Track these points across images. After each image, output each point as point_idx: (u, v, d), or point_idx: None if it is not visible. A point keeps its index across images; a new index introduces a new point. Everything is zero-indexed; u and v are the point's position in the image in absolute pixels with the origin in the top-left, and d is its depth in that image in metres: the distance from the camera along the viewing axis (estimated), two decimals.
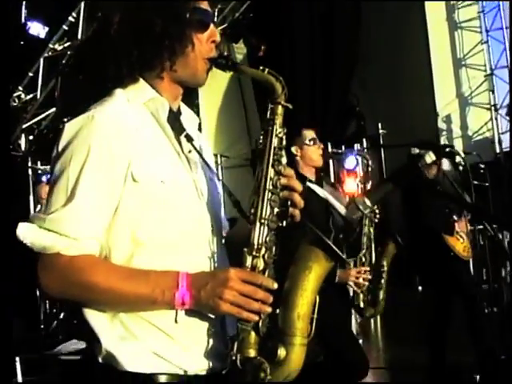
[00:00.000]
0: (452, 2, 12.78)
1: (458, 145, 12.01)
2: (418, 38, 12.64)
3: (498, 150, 11.99)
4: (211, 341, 1.84)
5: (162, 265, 1.78)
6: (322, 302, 1.81)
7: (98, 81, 1.93)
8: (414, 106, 12.37)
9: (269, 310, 1.74)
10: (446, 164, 5.57)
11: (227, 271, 1.74)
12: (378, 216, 4.84)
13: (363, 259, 4.73)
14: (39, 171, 10.25)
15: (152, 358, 1.77)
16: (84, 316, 1.80)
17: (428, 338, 5.97)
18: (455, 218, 5.89)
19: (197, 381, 1.82)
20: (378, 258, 4.85)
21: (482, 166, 6.50)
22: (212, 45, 1.96)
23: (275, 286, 1.76)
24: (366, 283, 4.64)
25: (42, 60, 9.51)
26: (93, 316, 1.79)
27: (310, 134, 4.72)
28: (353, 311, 5.17)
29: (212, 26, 1.97)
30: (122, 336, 1.77)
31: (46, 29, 9.55)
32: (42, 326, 8.53)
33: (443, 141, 12.38)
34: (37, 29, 9.48)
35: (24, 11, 9.53)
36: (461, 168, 4.46)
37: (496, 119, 12.25)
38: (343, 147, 12.13)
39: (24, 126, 9.82)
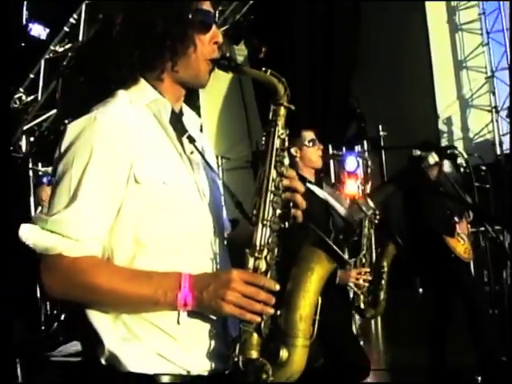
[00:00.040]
0: (453, 3, 12.78)
1: (459, 147, 11.99)
2: (418, 40, 12.64)
3: (498, 152, 11.98)
4: (213, 342, 1.84)
5: (164, 266, 1.78)
6: (323, 303, 1.82)
7: (99, 82, 1.93)
8: (415, 107, 12.36)
9: (271, 311, 1.74)
10: (446, 166, 5.58)
11: (230, 272, 1.74)
12: (377, 217, 4.84)
13: (363, 260, 4.72)
14: (40, 173, 10.24)
15: (155, 359, 1.77)
16: (87, 317, 1.80)
17: (429, 339, 5.97)
18: (456, 219, 5.88)
19: (199, 381, 1.82)
20: (378, 259, 4.85)
21: (483, 167, 6.50)
22: (214, 46, 1.96)
23: (277, 287, 1.76)
24: (367, 284, 4.64)
25: (42, 61, 9.52)
26: (95, 317, 1.79)
27: (309, 135, 4.72)
28: (353, 312, 5.17)
29: (214, 27, 1.97)
30: (124, 337, 1.77)
31: (47, 30, 9.55)
32: (43, 328, 8.53)
33: (444, 143, 12.38)
34: (38, 30, 9.48)
35: (25, 13, 9.54)
36: (462, 170, 4.46)
37: (497, 121, 12.24)
38: (344, 149, 12.12)
39: (25, 128, 9.82)
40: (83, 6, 9.03)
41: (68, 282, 1.74)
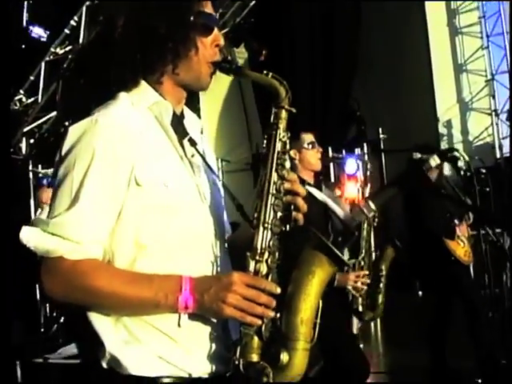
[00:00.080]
0: (453, 6, 12.79)
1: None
2: (418, 43, 12.67)
3: (498, 155, 12.00)
4: (214, 344, 1.84)
5: (165, 269, 1.78)
6: (323, 306, 1.82)
7: (100, 84, 1.92)
8: (415, 110, 12.39)
9: (272, 314, 1.74)
10: (446, 169, 5.58)
11: (231, 275, 1.74)
12: (376, 220, 4.85)
13: (362, 263, 4.73)
14: (40, 175, 10.23)
15: (156, 362, 1.77)
16: (87, 320, 1.80)
17: (429, 341, 5.97)
18: (456, 222, 5.88)
19: None
20: (376, 262, 4.86)
21: (484, 170, 6.49)
22: (216, 49, 1.96)
23: (278, 290, 1.76)
24: (365, 287, 4.63)
25: (43, 63, 9.49)
26: (96, 320, 1.79)
27: (308, 137, 4.72)
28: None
29: (216, 30, 1.97)
30: (125, 340, 1.77)
31: (48, 32, 9.54)
32: (42, 330, 8.52)
33: (444, 146, 12.39)
34: (38, 32, 9.46)
35: (26, 15, 9.52)
36: (462, 172, 4.46)
37: (496, 124, 12.27)
38: (344, 151, 12.12)
39: (25, 130, 9.80)
40: (84, 9, 9.01)
41: (69, 284, 1.74)
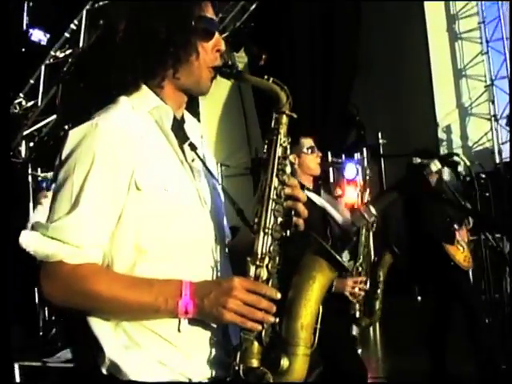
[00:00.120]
0: (453, 7, 12.81)
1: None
2: (418, 49, 12.68)
3: (497, 161, 11.99)
4: (214, 350, 1.84)
5: (165, 273, 1.77)
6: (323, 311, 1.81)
7: (101, 88, 1.92)
8: (414, 115, 12.39)
9: (272, 319, 1.74)
10: (445, 174, 5.58)
11: (231, 280, 1.73)
12: (375, 226, 4.83)
13: (360, 269, 4.71)
14: (39, 178, 10.23)
15: (156, 367, 1.76)
16: (87, 325, 1.79)
17: (428, 347, 5.96)
18: (456, 226, 5.88)
19: None
20: (374, 269, 4.84)
21: (483, 175, 6.49)
22: (217, 53, 1.96)
23: (278, 296, 1.76)
24: (362, 293, 4.61)
25: (43, 67, 9.50)
26: (96, 325, 1.79)
27: (308, 142, 4.70)
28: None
29: (217, 34, 1.97)
30: (125, 345, 1.77)
31: (48, 36, 9.55)
32: (41, 333, 8.51)
33: (443, 151, 12.39)
34: (38, 36, 9.47)
35: (26, 18, 9.54)
36: (461, 178, 4.45)
37: (496, 129, 12.27)
38: (343, 156, 12.12)
39: (25, 133, 9.80)
40: (84, 12, 9.01)
41: (68, 289, 1.74)
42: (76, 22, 9.15)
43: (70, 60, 9.20)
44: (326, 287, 1.82)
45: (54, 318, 8.53)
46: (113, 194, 1.76)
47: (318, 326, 1.79)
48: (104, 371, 1.76)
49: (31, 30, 9.50)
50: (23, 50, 9.43)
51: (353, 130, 12.57)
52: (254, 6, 11.24)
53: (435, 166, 4.34)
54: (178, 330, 1.77)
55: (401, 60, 12.62)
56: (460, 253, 5.83)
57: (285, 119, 1.89)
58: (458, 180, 4.52)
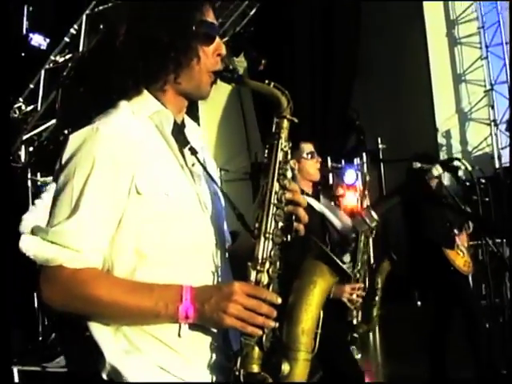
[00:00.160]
0: (452, 17, 12.83)
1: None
2: (418, 54, 12.68)
3: (497, 166, 11.99)
4: (214, 355, 1.83)
5: (165, 278, 1.77)
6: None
7: (101, 92, 1.92)
8: (414, 120, 12.39)
9: (273, 324, 1.73)
10: (445, 178, 5.58)
11: (232, 285, 1.73)
12: (374, 232, 4.82)
13: (358, 275, 4.69)
14: (39, 183, 10.22)
15: (156, 372, 1.76)
16: (88, 329, 1.79)
17: (428, 352, 5.95)
18: (456, 231, 5.87)
19: None
20: (372, 275, 4.83)
21: (483, 180, 6.50)
22: (217, 58, 1.95)
23: (279, 300, 1.75)
24: (360, 300, 4.60)
25: (43, 71, 9.50)
26: (96, 329, 1.78)
27: (308, 147, 4.69)
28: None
29: (218, 39, 1.96)
30: (126, 349, 1.76)
31: (48, 40, 9.55)
32: (41, 338, 8.49)
33: (443, 156, 12.39)
34: (38, 40, 9.47)
35: (25, 23, 9.54)
36: (461, 182, 4.46)
37: (496, 134, 12.26)
38: (343, 161, 12.12)
39: (24, 138, 9.80)
40: (84, 17, 9.03)
41: (68, 293, 1.73)
42: (76, 26, 9.16)
43: (69, 64, 9.20)
44: (326, 292, 1.82)
45: (47, 323, 8.51)
46: (113, 198, 1.75)
47: (319, 331, 1.79)
48: (104, 376, 1.75)
49: (31, 35, 9.51)
50: (23, 54, 9.43)
51: (352, 134, 12.58)
52: (253, 11, 11.27)
53: (437, 170, 4.35)
54: (179, 334, 1.76)
55: (400, 64, 12.63)
56: (460, 258, 5.82)
57: (286, 124, 1.89)
58: (458, 184, 4.53)
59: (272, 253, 1.78)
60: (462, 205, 4.78)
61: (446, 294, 5.86)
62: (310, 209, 4.51)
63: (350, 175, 11.39)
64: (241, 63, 12.26)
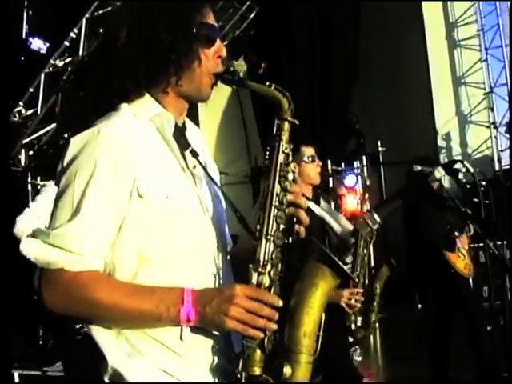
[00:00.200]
0: (451, 19, 12.85)
1: (459, 163, 11.99)
2: (417, 56, 12.70)
3: (497, 168, 12.00)
4: (216, 358, 1.83)
5: (166, 281, 1.76)
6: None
7: (102, 95, 1.91)
8: (414, 123, 12.40)
9: (274, 326, 1.73)
10: (445, 181, 5.57)
11: (233, 288, 1.72)
12: (374, 237, 4.81)
13: (356, 280, 4.68)
14: (39, 187, 10.20)
15: (159, 375, 1.75)
16: (89, 332, 1.78)
17: (429, 354, 5.94)
18: (456, 234, 5.87)
19: None
20: (371, 281, 4.82)
21: (483, 183, 6.50)
22: (218, 60, 1.95)
23: (280, 303, 1.74)
24: (359, 305, 4.59)
25: (42, 75, 9.49)
26: (98, 333, 1.78)
27: (309, 151, 4.69)
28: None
29: (218, 41, 1.96)
30: (128, 353, 1.75)
31: (47, 44, 9.55)
32: (41, 342, 8.47)
33: (443, 158, 12.40)
34: (38, 44, 9.47)
35: (25, 27, 9.54)
36: (462, 185, 4.45)
37: (495, 137, 12.28)
38: (343, 164, 12.13)
39: (24, 142, 9.78)
40: (84, 21, 9.03)
41: (69, 296, 1.72)
42: (75, 30, 9.15)
43: (69, 68, 9.20)
44: (328, 294, 1.82)
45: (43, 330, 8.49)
46: (115, 201, 1.75)
47: (321, 333, 1.79)
48: (106, 379, 1.75)
49: (31, 39, 9.51)
50: (23, 58, 9.43)
51: (352, 138, 12.60)
52: (253, 15, 11.27)
53: (439, 173, 4.34)
54: (180, 337, 1.76)
55: (400, 68, 12.65)
56: (461, 260, 5.82)
57: (287, 126, 1.89)
58: (458, 187, 4.52)
59: (273, 255, 1.78)
60: (463, 207, 4.77)
61: (447, 296, 5.86)
62: (309, 213, 4.52)
63: (350, 178, 11.41)
64: (240, 67, 12.28)
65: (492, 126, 12.33)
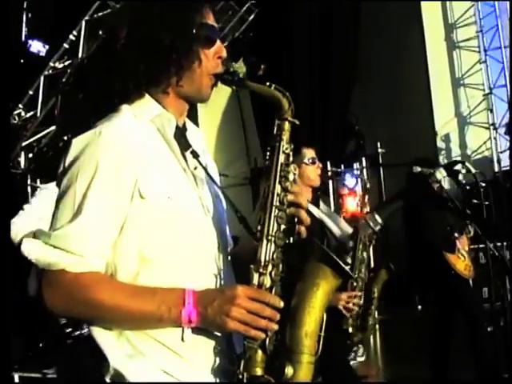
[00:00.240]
0: (451, 21, 12.86)
1: (458, 164, 11.99)
2: (416, 58, 12.70)
3: (496, 169, 12.00)
4: (218, 358, 1.82)
5: (168, 281, 1.76)
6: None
7: (102, 96, 1.91)
8: (413, 125, 12.40)
9: (275, 327, 1.73)
10: (445, 182, 5.56)
11: (234, 288, 1.72)
12: (373, 241, 4.80)
13: (354, 283, 4.67)
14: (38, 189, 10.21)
15: (160, 376, 1.75)
16: (91, 334, 1.78)
17: (430, 355, 5.94)
18: (456, 235, 5.87)
19: None
20: (369, 284, 4.81)
21: (483, 184, 6.50)
22: (218, 61, 1.95)
23: (282, 304, 1.74)
24: (356, 308, 4.58)
25: (42, 78, 9.50)
26: (99, 334, 1.77)
27: (309, 153, 4.68)
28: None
29: (218, 41, 1.96)
30: (129, 354, 1.75)
31: (47, 47, 9.55)
32: (41, 344, 8.46)
33: (442, 160, 12.41)
34: (37, 47, 9.47)
35: (25, 29, 9.54)
36: (462, 186, 4.45)
37: (495, 138, 12.29)
38: (342, 166, 12.13)
39: (24, 144, 9.78)
40: (83, 23, 9.03)
41: (70, 297, 1.72)
42: (75, 32, 9.16)
43: (68, 71, 9.20)
44: (329, 294, 1.82)
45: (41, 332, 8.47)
46: (116, 202, 1.74)
47: (322, 333, 1.78)
48: (108, 380, 1.75)
49: (30, 41, 9.51)
50: (22, 61, 9.43)
51: (352, 139, 12.60)
52: (252, 17, 11.28)
53: (440, 174, 4.33)
54: (182, 338, 1.75)
55: (399, 69, 12.65)
56: (461, 261, 5.81)
57: (287, 126, 1.89)
58: (458, 188, 4.52)
59: (274, 255, 1.78)
60: (463, 209, 4.77)
61: (447, 297, 5.86)
62: (308, 215, 4.51)
63: (350, 180, 11.41)
64: (240, 68, 12.29)
65: (491, 128, 12.34)
